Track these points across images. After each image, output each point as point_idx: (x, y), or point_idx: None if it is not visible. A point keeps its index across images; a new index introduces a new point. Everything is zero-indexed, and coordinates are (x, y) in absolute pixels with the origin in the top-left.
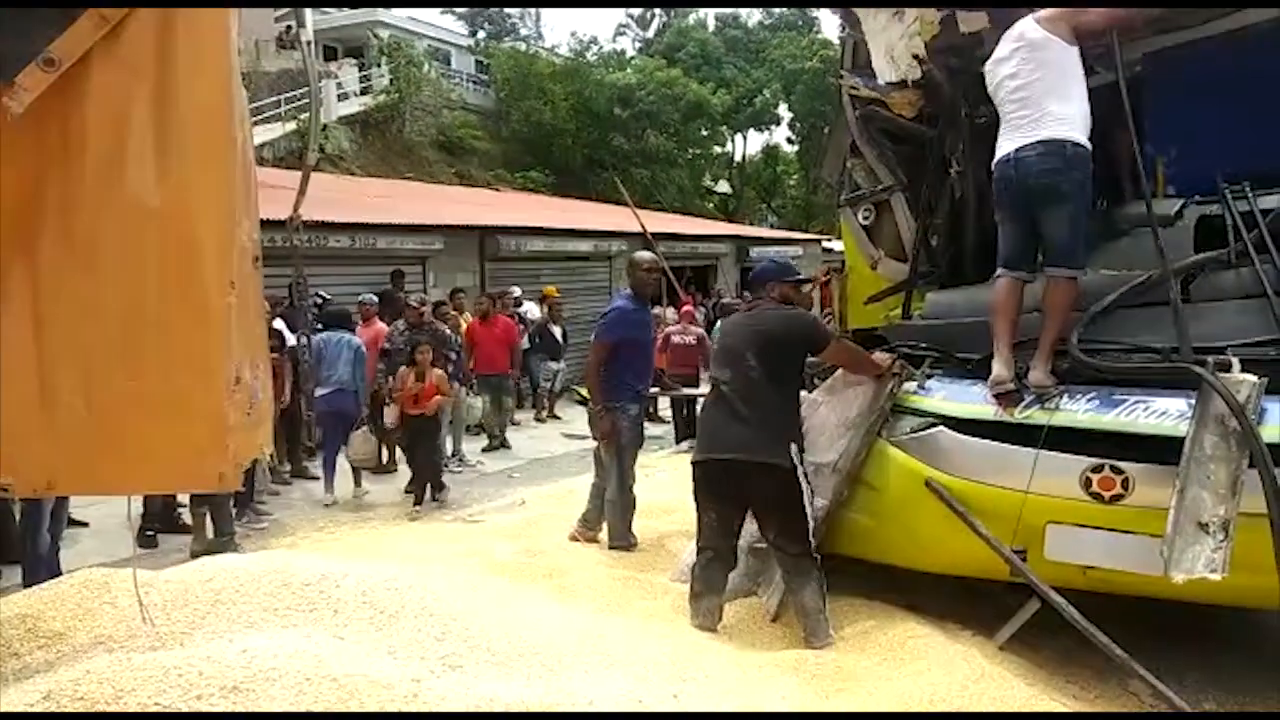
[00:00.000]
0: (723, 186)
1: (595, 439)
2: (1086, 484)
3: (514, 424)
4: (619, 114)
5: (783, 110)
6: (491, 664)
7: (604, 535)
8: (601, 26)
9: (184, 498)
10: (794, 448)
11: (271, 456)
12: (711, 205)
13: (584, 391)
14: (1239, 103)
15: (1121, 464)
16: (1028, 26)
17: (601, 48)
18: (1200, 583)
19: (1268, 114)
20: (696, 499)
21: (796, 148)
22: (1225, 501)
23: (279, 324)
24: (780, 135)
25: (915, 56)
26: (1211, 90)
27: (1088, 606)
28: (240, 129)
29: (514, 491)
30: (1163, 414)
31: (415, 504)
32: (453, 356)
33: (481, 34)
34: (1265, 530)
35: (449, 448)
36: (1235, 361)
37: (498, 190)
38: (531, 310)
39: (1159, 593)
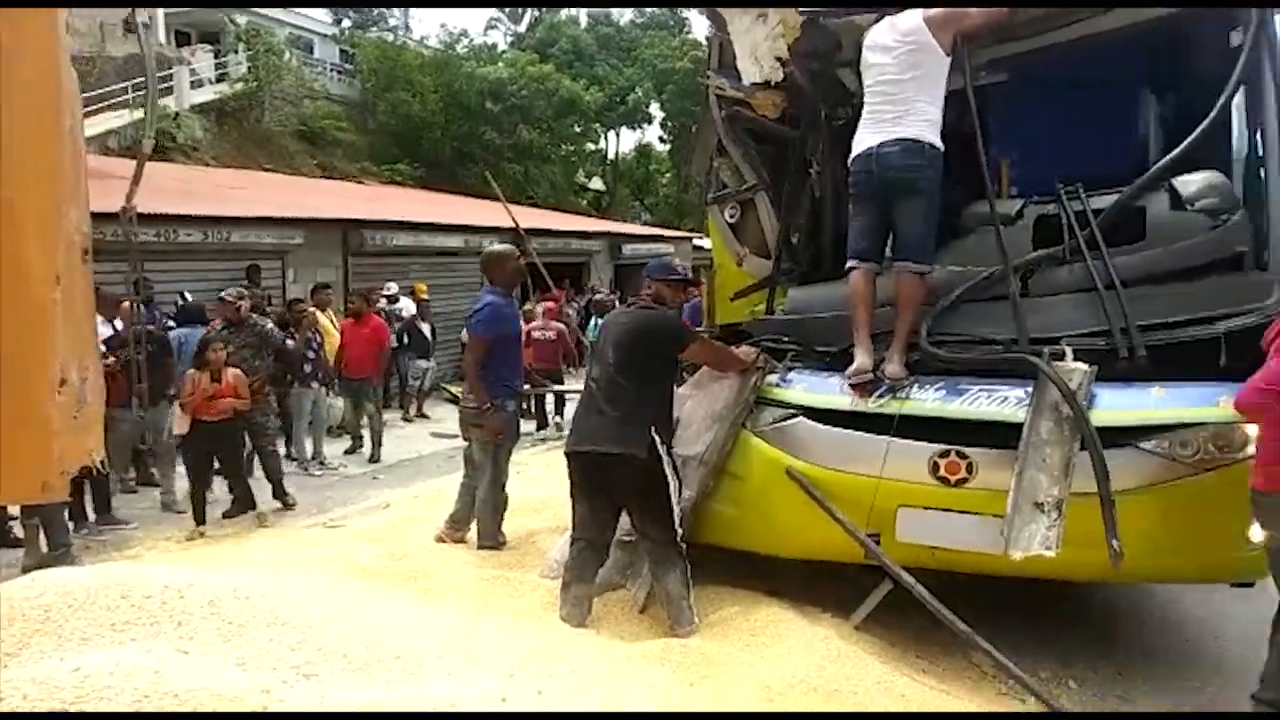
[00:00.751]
0: (596, 183)
1: (466, 439)
2: (934, 469)
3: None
4: (490, 108)
5: (654, 109)
6: (348, 671)
7: (473, 535)
8: (472, 20)
9: (15, 509)
10: (656, 440)
11: (103, 463)
12: (585, 202)
13: (454, 390)
14: (1074, 110)
15: (966, 449)
16: (917, 26)
17: (472, 41)
18: (1037, 559)
19: (1099, 121)
20: (569, 490)
21: (668, 146)
22: (1059, 482)
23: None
24: (653, 134)
25: (778, 59)
26: (1051, 97)
27: (941, 585)
28: (69, 114)
29: (378, 494)
30: (1004, 401)
31: (225, 515)
32: (310, 355)
33: (346, 23)
34: (1095, 508)
35: (309, 449)
36: (1069, 351)
37: (363, 183)
38: (408, 307)
39: (1000, 570)
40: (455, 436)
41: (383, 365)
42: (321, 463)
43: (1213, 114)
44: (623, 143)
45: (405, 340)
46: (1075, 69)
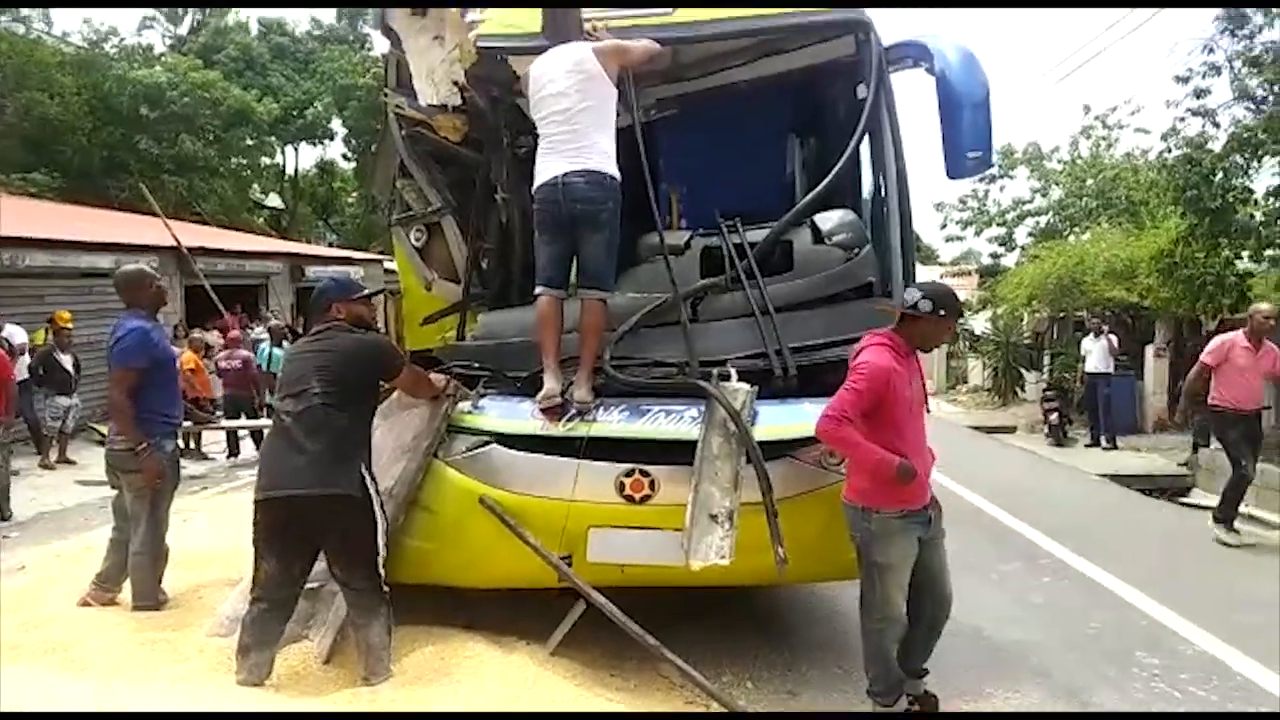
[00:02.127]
0: (274, 200)
1: (115, 486)
2: (621, 488)
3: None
4: (146, 115)
5: (337, 125)
6: None
7: (126, 596)
8: (123, 18)
9: None
10: (366, 476)
11: None
12: (261, 220)
13: (103, 430)
14: (734, 149)
15: (649, 467)
16: (585, 55)
17: (123, 40)
18: (714, 568)
19: (755, 160)
20: (256, 543)
21: (353, 164)
22: (729, 494)
23: None
24: (336, 150)
25: (455, 83)
26: (714, 137)
27: (632, 601)
28: None
29: (9, 556)
30: (680, 420)
31: None
32: None
33: None
34: (762, 516)
35: None
36: (733, 372)
37: None
38: (15, 335)
39: (683, 581)
40: (105, 484)
41: (9, 405)
42: None
43: (843, 158)
44: (303, 159)
45: (40, 374)
46: (734, 112)
